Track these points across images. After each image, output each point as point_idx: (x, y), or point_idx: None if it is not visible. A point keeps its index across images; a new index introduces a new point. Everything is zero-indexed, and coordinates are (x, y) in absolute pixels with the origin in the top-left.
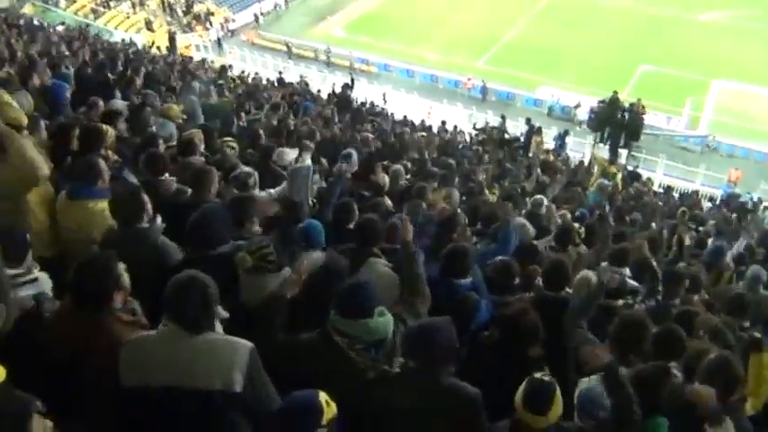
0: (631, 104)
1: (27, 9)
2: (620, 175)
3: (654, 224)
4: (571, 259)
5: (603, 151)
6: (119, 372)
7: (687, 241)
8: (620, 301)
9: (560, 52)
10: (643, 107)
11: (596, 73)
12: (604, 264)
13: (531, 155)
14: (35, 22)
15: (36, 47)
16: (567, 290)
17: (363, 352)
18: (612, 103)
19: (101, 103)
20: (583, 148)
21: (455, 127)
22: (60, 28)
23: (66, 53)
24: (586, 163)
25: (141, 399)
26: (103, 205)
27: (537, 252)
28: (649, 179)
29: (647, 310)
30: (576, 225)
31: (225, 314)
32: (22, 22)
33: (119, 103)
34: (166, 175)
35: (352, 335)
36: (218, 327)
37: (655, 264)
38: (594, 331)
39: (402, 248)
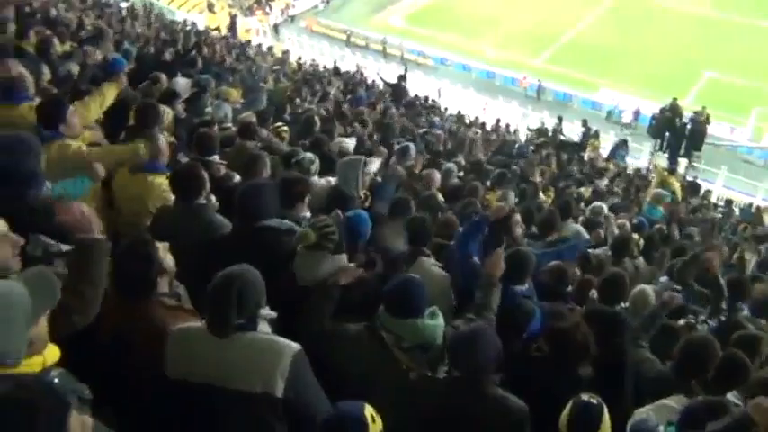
0: (695, 113)
1: None
2: (678, 186)
3: (714, 240)
4: (627, 272)
5: (663, 159)
6: (165, 361)
7: (749, 259)
8: (682, 321)
9: (623, 54)
10: (707, 116)
11: (659, 78)
12: (663, 279)
13: (586, 159)
14: None
15: (102, 22)
16: (622, 305)
17: (409, 352)
18: (672, 110)
19: (163, 78)
20: (641, 155)
21: (507, 125)
22: (125, 5)
23: (131, 30)
24: (644, 171)
25: (182, 392)
26: (162, 180)
27: (592, 261)
28: (708, 191)
29: (711, 332)
30: (635, 236)
31: (272, 314)
32: None
33: (181, 82)
34: (216, 156)
35: (399, 333)
36: (265, 326)
37: (722, 281)
38: (655, 351)
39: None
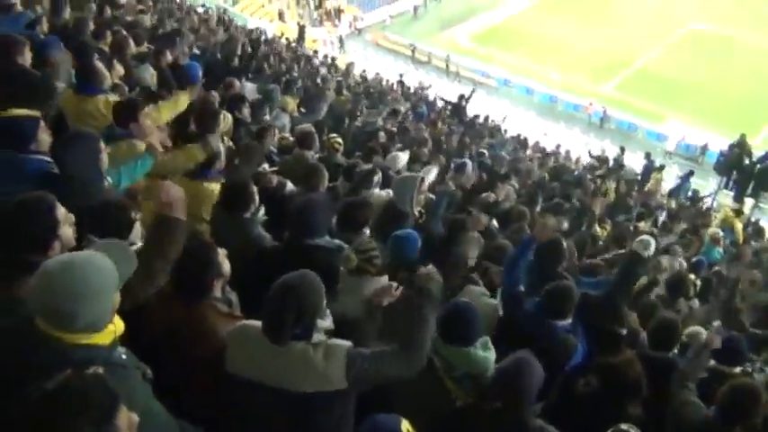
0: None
1: None
2: (741, 227)
3: None
4: (681, 313)
5: (729, 198)
6: (225, 357)
7: None
8: (738, 369)
9: (693, 87)
10: None
11: (731, 113)
12: (716, 323)
13: (647, 192)
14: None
15: (181, 25)
16: (675, 351)
17: (458, 381)
18: (741, 147)
19: (237, 83)
20: (705, 191)
21: (567, 152)
22: (200, 9)
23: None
24: (706, 208)
25: (239, 388)
26: (215, 187)
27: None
28: None
29: None
30: (692, 276)
31: (329, 325)
32: None
33: (249, 87)
34: (265, 166)
35: (450, 360)
36: (320, 336)
37: None
38: (704, 396)
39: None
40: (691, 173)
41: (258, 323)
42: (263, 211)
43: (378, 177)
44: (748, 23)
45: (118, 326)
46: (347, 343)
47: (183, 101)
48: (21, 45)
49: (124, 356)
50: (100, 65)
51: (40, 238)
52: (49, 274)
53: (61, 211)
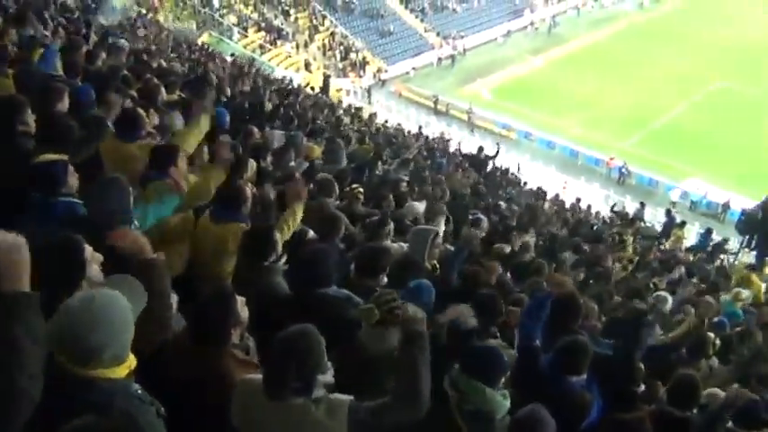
0: None
1: (204, 38)
2: (763, 286)
3: None
4: (701, 372)
5: (750, 257)
6: (231, 408)
7: None
8: None
9: (716, 146)
10: None
11: (753, 172)
12: (736, 386)
13: (667, 248)
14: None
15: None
16: (695, 411)
17: (469, 418)
18: (764, 207)
19: (256, 131)
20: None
21: (589, 206)
22: (230, 59)
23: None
24: (727, 266)
25: None
26: (241, 229)
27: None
28: None
29: None
30: (712, 335)
31: (330, 380)
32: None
33: (277, 135)
34: None
35: (467, 392)
36: (321, 391)
37: None
38: None
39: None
40: (709, 230)
41: (260, 377)
42: (284, 259)
43: (389, 228)
44: None
45: (131, 360)
46: (348, 398)
47: (204, 124)
48: (61, 92)
49: (140, 391)
50: (140, 111)
51: (69, 277)
52: (72, 310)
53: (88, 250)
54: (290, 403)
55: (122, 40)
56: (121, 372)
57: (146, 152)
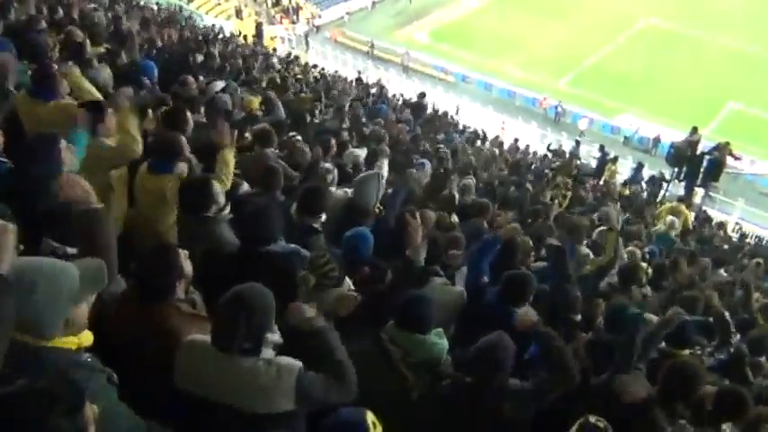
0: (718, 144)
1: None
2: (689, 215)
3: (724, 272)
4: (634, 301)
5: (680, 188)
6: (174, 371)
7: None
8: (687, 351)
9: (645, 81)
10: (731, 152)
11: (681, 106)
12: (674, 308)
13: (602, 184)
14: None
15: (134, 24)
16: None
17: (414, 368)
18: (692, 141)
19: (190, 80)
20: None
21: (527, 146)
22: (154, 7)
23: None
24: (659, 198)
25: (190, 402)
26: (176, 179)
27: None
28: (723, 223)
29: (717, 364)
30: (644, 264)
31: (277, 340)
32: None
33: (218, 85)
34: None
35: (407, 348)
36: (269, 351)
37: (728, 315)
38: (651, 377)
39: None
40: (641, 164)
41: (205, 337)
42: (227, 210)
43: (332, 176)
44: (710, 22)
45: (84, 339)
46: (298, 363)
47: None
48: None
49: (89, 359)
50: (56, 69)
51: None
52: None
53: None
54: (239, 363)
55: None
56: (70, 344)
57: (63, 114)
